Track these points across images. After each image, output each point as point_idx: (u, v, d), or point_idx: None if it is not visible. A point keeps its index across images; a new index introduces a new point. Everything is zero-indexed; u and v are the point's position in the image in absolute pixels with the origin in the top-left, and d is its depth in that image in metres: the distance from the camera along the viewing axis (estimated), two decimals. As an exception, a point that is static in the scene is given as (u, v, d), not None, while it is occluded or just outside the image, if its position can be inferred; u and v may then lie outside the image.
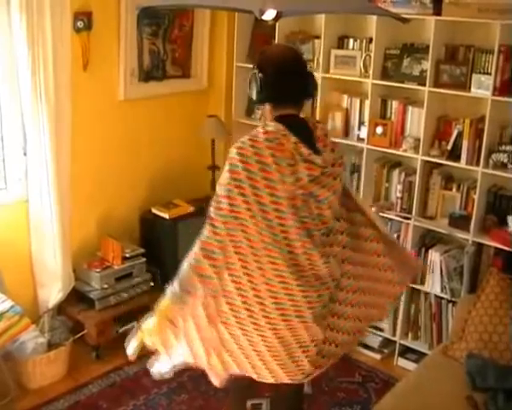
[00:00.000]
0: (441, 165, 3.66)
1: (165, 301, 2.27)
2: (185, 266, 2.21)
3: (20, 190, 3.63)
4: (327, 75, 3.93)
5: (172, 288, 2.24)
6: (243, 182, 2.12)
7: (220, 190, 2.16)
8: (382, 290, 2.49)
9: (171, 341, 2.32)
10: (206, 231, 2.17)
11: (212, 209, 2.18)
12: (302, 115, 2.32)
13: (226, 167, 2.16)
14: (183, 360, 2.37)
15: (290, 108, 2.27)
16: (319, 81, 3.93)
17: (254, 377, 2.33)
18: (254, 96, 2.27)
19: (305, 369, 2.29)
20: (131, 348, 2.36)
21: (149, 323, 2.32)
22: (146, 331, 2.32)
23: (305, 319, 2.23)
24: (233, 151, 2.16)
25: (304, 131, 2.23)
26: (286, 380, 2.31)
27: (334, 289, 2.35)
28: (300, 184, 2.15)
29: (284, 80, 2.24)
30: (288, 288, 2.19)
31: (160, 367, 2.42)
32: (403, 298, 3.81)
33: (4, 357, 3.32)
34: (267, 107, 2.29)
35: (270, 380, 2.31)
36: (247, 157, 2.12)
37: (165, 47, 4.18)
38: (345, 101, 3.99)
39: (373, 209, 3.72)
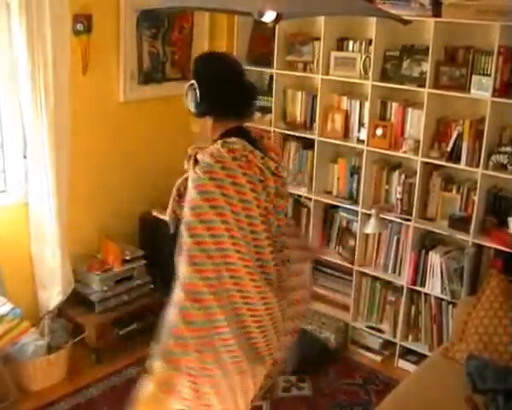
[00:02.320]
0: (441, 166, 3.66)
1: (160, 368, 2.00)
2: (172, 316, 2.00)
3: (19, 193, 3.63)
4: (327, 77, 3.93)
5: (164, 347, 2.00)
6: (225, 209, 1.97)
7: (195, 222, 1.96)
8: (297, 284, 2.41)
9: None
10: (189, 271, 1.96)
11: (189, 246, 1.96)
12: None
13: (196, 196, 1.97)
14: None
15: (234, 120, 2.13)
16: (319, 83, 3.95)
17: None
18: (194, 110, 2.12)
19: (259, 380, 2.22)
20: None
21: (148, 395, 2.08)
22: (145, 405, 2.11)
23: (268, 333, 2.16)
24: (202, 177, 1.98)
25: (255, 143, 2.13)
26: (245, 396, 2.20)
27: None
28: (269, 198, 2.08)
29: (226, 90, 2.11)
30: (269, 308, 2.11)
31: None
32: (403, 300, 3.81)
33: (4, 360, 3.32)
34: (208, 121, 2.14)
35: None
36: (222, 180, 1.97)
37: (164, 49, 4.18)
38: (344, 102, 4.00)
39: (373, 211, 3.73)
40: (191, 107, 2.13)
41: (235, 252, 2.01)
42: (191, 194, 2.00)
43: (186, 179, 2.14)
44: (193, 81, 2.10)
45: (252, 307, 2.07)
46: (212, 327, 2.00)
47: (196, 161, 2.06)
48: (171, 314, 2.00)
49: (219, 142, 2.06)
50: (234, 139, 2.06)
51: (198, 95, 2.09)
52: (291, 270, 2.31)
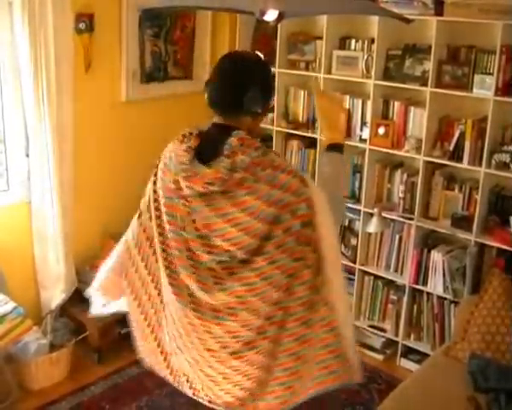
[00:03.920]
0: (443, 165, 3.66)
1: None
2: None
3: (22, 192, 3.64)
4: (329, 76, 3.93)
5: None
6: None
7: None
8: None
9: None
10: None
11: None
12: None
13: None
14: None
15: (218, 116, 1.99)
16: (321, 82, 3.95)
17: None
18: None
19: None
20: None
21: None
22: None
23: None
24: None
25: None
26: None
27: None
28: None
29: (215, 84, 1.98)
30: None
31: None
32: (405, 299, 3.81)
33: (7, 358, 3.33)
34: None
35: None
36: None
37: (166, 48, 4.19)
38: (347, 101, 3.99)
39: (375, 210, 3.73)
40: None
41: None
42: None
43: None
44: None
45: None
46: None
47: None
48: None
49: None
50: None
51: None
52: None
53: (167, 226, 1.94)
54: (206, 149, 1.89)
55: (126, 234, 2.21)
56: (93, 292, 2.29)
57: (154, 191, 2.04)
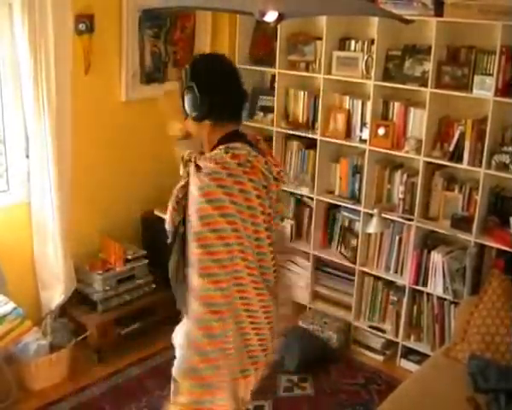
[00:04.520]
0: (443, 166, 3.65)
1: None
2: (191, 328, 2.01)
3: (22, 193, 3.64)
4: (329, 77, 3.93)
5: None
6: (236, 217, 1.95)
7: (205, 232, 1.93)
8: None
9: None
10: (201, 282, 1.94)
11: (200, 257, 1.95)
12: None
13: (207, 204, 1.92)
14: None
15: (232, 124, 2.08)
16: (321, 82, 3.95)
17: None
18: (194, 113, 2.04)
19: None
20: None
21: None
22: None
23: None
24: (210, 184, 1.93)
25: (253, 147, 2.09)
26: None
27: None
28: (271, 203, 2.07)
29: (227, 92, 2.05)
30: (265, 305, 2.12)
31: None
32: (405, 299, 3.81)
33: (6, 359, 3.33)
34: (206, 125, 2.07)
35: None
36: (230, 188, 1.94)
37: (166, 49, 4.19)
38: (347, 102, 3.99)
39: (375, 210, 3.72)
40: (190, 110, 2.05)
41: (241, 260, 2.00)
42: (198, 201, 1.95)
43: (183, 187, 2.07)
44: (192, 83, 2.01)
45: (252, 315, 2.08)
46: (226, 337, 2.00)
47: (198, 167, 1.99)
48: (192, 329, 1.99)
49: (222, 147, 2.02)
50: (238, 144, 2.02)
51: (198, 97, 2.00)
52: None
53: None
54: None
55: None
56: None
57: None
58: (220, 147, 2.02)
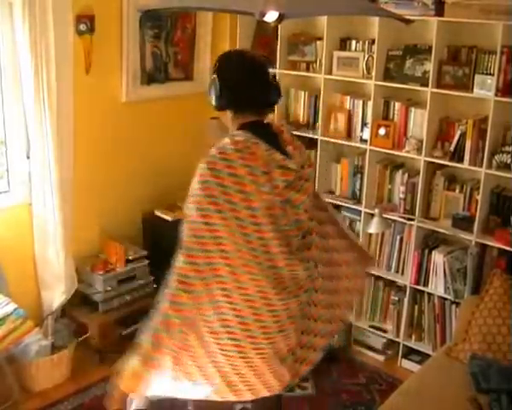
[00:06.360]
0: (444, 166, 3.66)
1: (145, 343, 2.12)
2: (162, 297, 2.09)
3: (23, 193, 3.64)
4: (329, 77, 3.93)
5: (152, 324, 2.11)
6: (219, 198, 2.01)
7: (192, 209, 2.03)
8: (346, 288, 2.45)
9: (150, 380, 2.16)
10: (181, 256, 2.06)
11: (186, 232, 2.05)
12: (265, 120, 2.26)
13: (196, 185, 2.05)
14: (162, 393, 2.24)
15: (252, 115, 2.20)
16: (322, 82, 3.95)
17: (233, 398, 2.22)
18: (214, 102, 2.20)
19: (285, 380, 2.24)
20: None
21: (129, 368, 2.14)
22: (126, 378, 2.15)
23: (287, 332, 2.18)
24: (203, 167, 2.05)
25: (271, 137, 2.17)
26: (265, 394, 2.23)
27: (310, 292, 2.29)
28: (277, 191, 2.07)
29: (244, 86, 2.18)
30: (271, 304, 2.10)
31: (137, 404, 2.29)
32: (406, 299, 3.81)
33: (8, 360, 3.33)
34: (228, 114, 2.23)
35: (249, 397, 2.23)
36: (219, 171, 2.02)
37: (167, 50, 4.19)
38: (347, 102, 3.99)
39: (376, 210, 3.72)
40: (212, 99, 2.20)
41: (229, 241, 2.03)
42: (193, 182, 2.08)
43: None
44: (215, 75, 2.18)
45: (247, 298, 2.09)
46: (195, 309, 2.07)
47: None
48: (162, 296, 2.10)
49: (229, 134, 2.14)
50: (239, 132, 2.13)
51: (218, 89, 2.15)
52: (340, 272, 2.41)
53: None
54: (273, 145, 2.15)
55: None
56: None
57: None
58: (228, 134, 2.16)
